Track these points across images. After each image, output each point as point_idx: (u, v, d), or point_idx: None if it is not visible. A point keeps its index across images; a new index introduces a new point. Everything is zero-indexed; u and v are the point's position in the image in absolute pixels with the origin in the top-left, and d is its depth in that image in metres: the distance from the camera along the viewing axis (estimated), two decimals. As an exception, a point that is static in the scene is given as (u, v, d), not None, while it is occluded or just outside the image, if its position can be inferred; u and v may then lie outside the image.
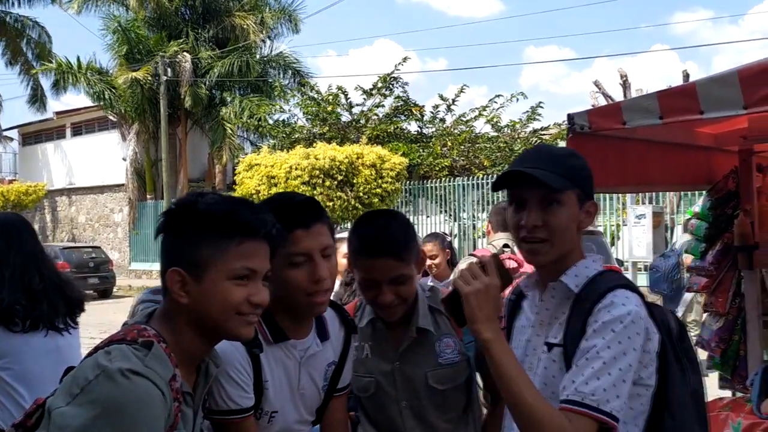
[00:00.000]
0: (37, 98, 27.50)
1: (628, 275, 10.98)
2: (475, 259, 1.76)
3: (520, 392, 1.44)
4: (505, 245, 3.58)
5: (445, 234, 4.82)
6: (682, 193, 12.15)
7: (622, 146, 2.99)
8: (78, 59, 23.23)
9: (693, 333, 6.07)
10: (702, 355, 3.70)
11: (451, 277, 3.86)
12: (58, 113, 27.75)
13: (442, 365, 1.97)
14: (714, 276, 3.69)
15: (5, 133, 29.62)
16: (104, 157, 24.66)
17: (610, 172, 2.99)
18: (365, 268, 1.90)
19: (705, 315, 3.84)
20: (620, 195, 12.49)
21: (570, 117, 2.66)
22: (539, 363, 1.59)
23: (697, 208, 3.90)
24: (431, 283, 4.44)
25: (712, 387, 3.85)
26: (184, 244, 1.37)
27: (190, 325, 1.37)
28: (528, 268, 3.05)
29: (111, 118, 24.18)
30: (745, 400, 3.20)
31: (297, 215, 1.66)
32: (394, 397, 1.97)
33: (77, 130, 26.98)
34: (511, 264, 3.12)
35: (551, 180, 1.52)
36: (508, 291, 1.74)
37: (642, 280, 12.06)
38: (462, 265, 3.33)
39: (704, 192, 3.91)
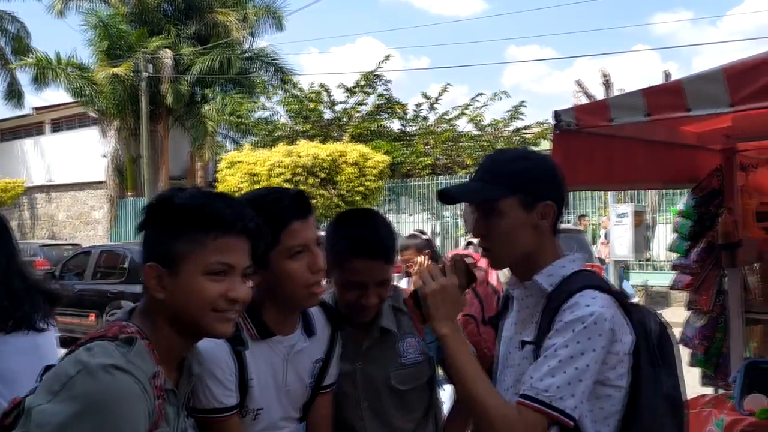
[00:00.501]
0: (14, 94, 27.12)
1: (610, 274, 11.12)
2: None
3: (472, 384, 1.52)
4: (469, 242, 3.64)
5: (422, 233, 4.74)
6: (663, 191, 12.26)
7: (608, 144, 2.99)
8: (57, 54, 22.99)
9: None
10: (685, 352, 3.72)
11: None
12: (37, 109, 27.37)
13: (404, 365, 1.95)
14: (698, 274, 3.71)
15: (-18, 129, 29.15)
16: (84, 154, 24.37)
17: (596, 169, 2.99)
18: (354, 270, 1.84)
19: (688, 312, 3.86)
20: (602, 194, 12.58)
21: (557, 114, 2.65)
22: (516, 360, 1.63)
23: (681, 206, 3.93)
24: (405, 282, 4.42)
25: (695, 384, 3.88)
26: (161, 239, 1.35)
27: (168, 321, 1.36)
28: (484, 263, 3.08)
29: (91, 114, 23.91)
30: (727, 397, 3.23)
31: (294, 207, 1.67)
32: (354, 398, 1.94)
33: (57, 126, 26.65)
34: (469, 260, 3.15)
35: (471, 198, 1.64)
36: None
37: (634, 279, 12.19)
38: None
39: (688, 190, 3.93)
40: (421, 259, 4.29)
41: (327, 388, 1.86)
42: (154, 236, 1.37)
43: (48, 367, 1.31)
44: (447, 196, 1.72)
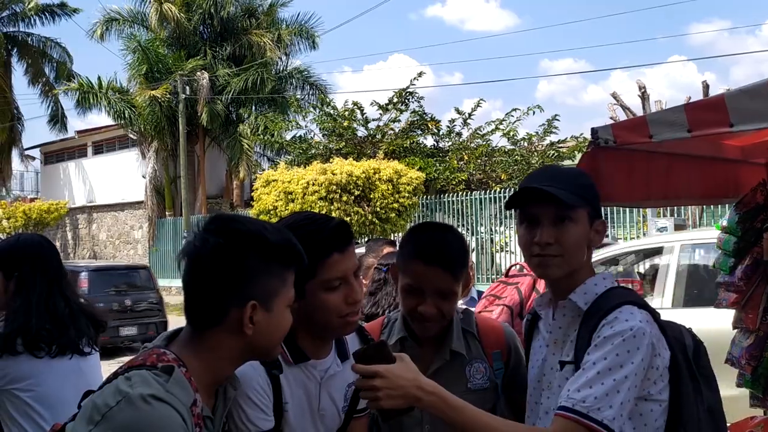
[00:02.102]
0: (57, 119, 27.97)
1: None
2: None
3: (486, 427, 1.48)
4: (512, 265, 3.62)
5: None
6: (705, 206, 11.97)
7: (647, 160, 2.94)
8: (99, 79, 23.65)
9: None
10: (732, 372, 3.60)
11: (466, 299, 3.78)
12: (79, 132, 28.16)
13: (470, 390, 1.92)
14: (743, 291, 3.59)
15: (28, 152, 30.10)
16: (124, 175, 24.94)
17: (635, 186, 2.94)
18: (415, 274, 1.86)
19: (735, 332, 3.74)
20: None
21: (594, 131, 2.61)
22: (555, 381, 1.61)
23: (724, 222, 3.81)
24: (463, 306, 4.34)
25: (744, 406, 3.75)
26: (255, 276, 1.36)
27: (239, 353, 1.39)
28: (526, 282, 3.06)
29: (131, 136, 24.48)
30: (778, 420, 3.11)
31: (334, 239, 1.66)
32: (418, 419, 1.92)
33: (98, 149, 27.34)
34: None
35: (565, 196, 1.55)
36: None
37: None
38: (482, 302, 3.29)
39: (731, 205, 3.83)
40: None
41: (361, 413, 1.84)
42: (246, 273, 1.35)
43: (88, 392, 1.32)
44: (531, 193, 1.61)
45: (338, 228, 1.69)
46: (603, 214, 1.69)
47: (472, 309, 3.72)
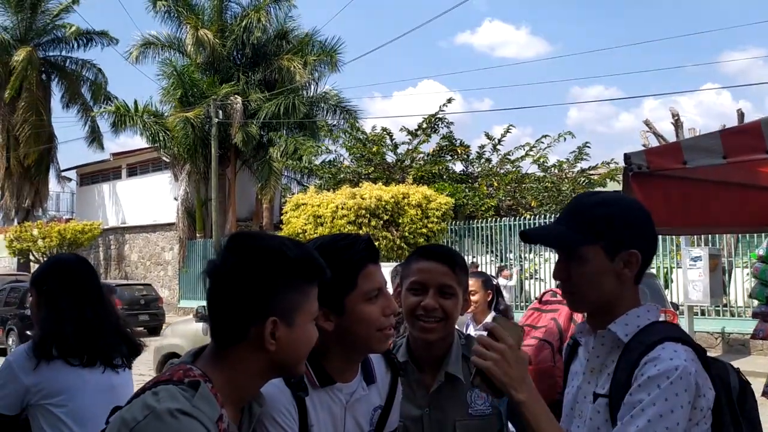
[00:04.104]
0: (95, 139, 28.68)
1: (683, 320, 10.64)
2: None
3: None
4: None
5: (492, 276, 4.69)
6: (739, 234, 11.73)
7: (682, 186, 2.89)
8: (135, 102, 24.21)
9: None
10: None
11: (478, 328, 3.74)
12: (114, 155, 28.80)
13: (472, 416, 1.92)
14: (782, 323, 3.50)
15: (64, 174, 30.83)
16: (157, 197, 25.38)
17: (671, 213, 2.89)
18: (418, 271, 1.95)
19: (773, 364, 3.62)
20: (674, 236, 12.15)
21: (627, 156, 2.59)
22: (586, 412, 1.56)
23: (761, 251, 3.73)
24: (471, 328, 4.31)
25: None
26: (277, 292, 1.36)
27: (264, 370, 1.38)
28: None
29: (164, 158, 24.93)
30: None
31: (368, 251, 1.70)
32: None
33: (132, 171, 27.91)
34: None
35: (551, 242, 1.63)
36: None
37: (700, 325, 11.62)
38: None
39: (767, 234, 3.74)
40: (481, 295, 4.18)
41: None
42: (266, 289, 1.36)
43: (116, 408, 1.33)
44: (529, 238, 1.71)
45: (369, 242, 1.73)
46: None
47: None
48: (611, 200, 1.62)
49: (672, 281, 12.62)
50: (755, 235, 10.48)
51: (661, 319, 1.60)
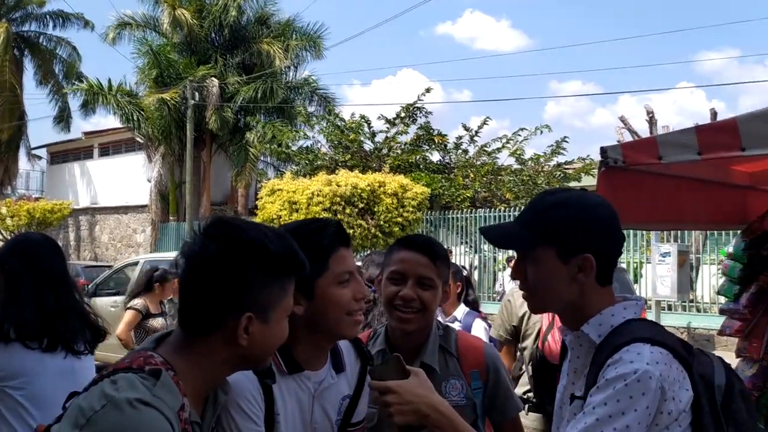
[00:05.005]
0: (63, 118, 28.10)
1: (651, 314, 10.79)
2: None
3: None
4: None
5: (463, 267, 4.66)
6: (708, 231, 11.92)
7: (654, 182, 2.91)
8: (109, 81, 23.75)
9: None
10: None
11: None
12: (86, 134, 28.28)
13: None
14: (748, 320, 3.55)
15: (34, 152, 30.23)
16: (129, 178, 24.98)
17: (641, 208, 2.91)
18: (398, 260, 1.97)
19: (738, 360, 3.68)
20: (645, 232, 12.30)
21: (603, 150, 2.59)
22: (566, 413, 1.56)
23: (730, 249, 3.77)
24: (440, 319, 4.31)
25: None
26: (253, 287, 1.32)
27: (230, 362, 1.36)
28: None
29: (138, 139, 24.55)
30: (780, 453, 3.04)
31: (339, 235, 1.70)
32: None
33: (104, 151, 27.43)
34: None
35: (502, 243, 1.64)
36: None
37: (667, 320, 11.80)
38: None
39: (737, 232, 3.79)
40: (450, 287, 4.17)
41: (355, 426, 1.80)
42: (245, 284, 1.31)
43: (73, 394, 1.29)
44: (485, 236, 1.69)
45: (339, 226, 1.74)
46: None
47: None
48: (571, 201, 1.54)
49: (642, 276, 12.78)
50: (723, 232, 10.65)
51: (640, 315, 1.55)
